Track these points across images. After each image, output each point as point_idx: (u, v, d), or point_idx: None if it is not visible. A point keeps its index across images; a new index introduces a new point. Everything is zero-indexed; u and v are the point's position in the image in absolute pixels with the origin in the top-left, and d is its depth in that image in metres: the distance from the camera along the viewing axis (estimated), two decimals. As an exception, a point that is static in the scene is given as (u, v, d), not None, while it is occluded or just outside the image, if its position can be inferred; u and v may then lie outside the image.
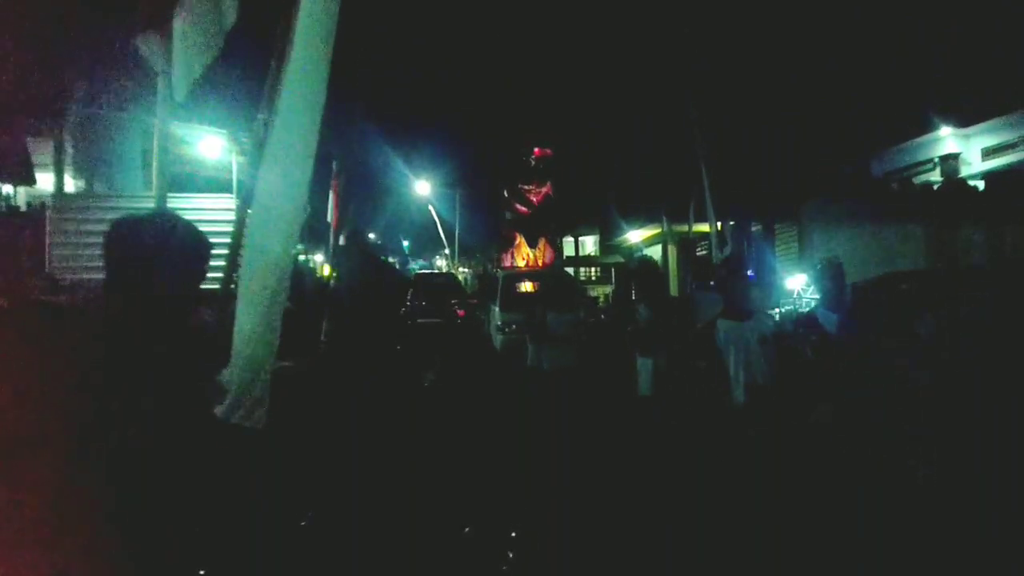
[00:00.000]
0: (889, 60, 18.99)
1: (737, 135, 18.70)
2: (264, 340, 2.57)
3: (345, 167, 11.83)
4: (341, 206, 11.73)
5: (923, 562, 3.76)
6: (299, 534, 4.39)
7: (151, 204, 4.45)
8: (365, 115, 12.02)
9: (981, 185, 16.68)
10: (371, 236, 32.76)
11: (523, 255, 23.68)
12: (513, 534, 4.83)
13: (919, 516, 3.97)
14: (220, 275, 3.04)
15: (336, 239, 10.83)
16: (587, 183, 29.53)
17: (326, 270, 11.94)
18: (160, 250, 2.17)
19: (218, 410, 2.42)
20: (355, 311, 4.89)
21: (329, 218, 11.87)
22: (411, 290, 20.94)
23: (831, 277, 5.12)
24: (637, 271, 7.20)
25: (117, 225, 2.20)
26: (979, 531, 3.83)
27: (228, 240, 3.08)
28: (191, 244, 2.26)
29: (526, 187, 24.12)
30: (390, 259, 32.88)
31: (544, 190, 24.15)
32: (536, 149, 24.14)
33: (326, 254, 13.09)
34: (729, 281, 4.80)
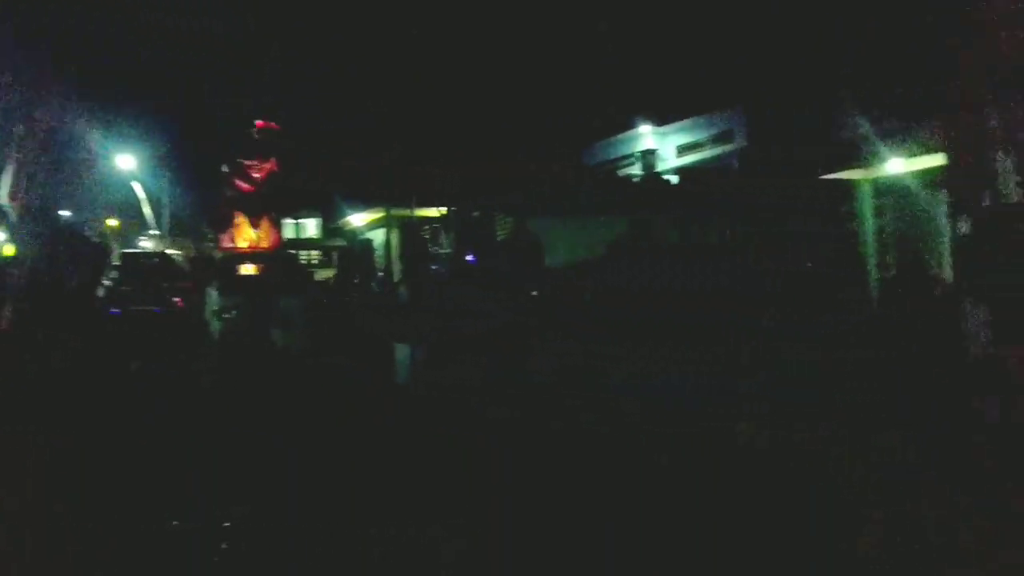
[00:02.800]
0: (603, 53, 20.76)
1: (459, 125, 19.45)
2: None
3: (32, 136, 10.55)
4: (26, 179, 10.49)
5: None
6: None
7: None
8: (58, 79, 10.85)
9: (675, 179, 18.84)
10: (67, 213, 29.38)
11: (244, 236, 22.43)
12: (226, 525, 4.71)
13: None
14: None
15: (20, 216, 9.69)
16: (310, 164, 28.69)
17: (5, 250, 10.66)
18: None
19: None
20: (47, 287, 4.46)
21: (7, 191, 10.53)
22: (117, 271, 19.13)
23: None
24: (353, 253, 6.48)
25: None
26: None
27: None
28: None
29: (248, 162, 22.73)
30: (93, 238, 30.02)
31: (268, 166, 22.94)
32: (259, 121, 22.87)
33: (7, 231, 11.58)
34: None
